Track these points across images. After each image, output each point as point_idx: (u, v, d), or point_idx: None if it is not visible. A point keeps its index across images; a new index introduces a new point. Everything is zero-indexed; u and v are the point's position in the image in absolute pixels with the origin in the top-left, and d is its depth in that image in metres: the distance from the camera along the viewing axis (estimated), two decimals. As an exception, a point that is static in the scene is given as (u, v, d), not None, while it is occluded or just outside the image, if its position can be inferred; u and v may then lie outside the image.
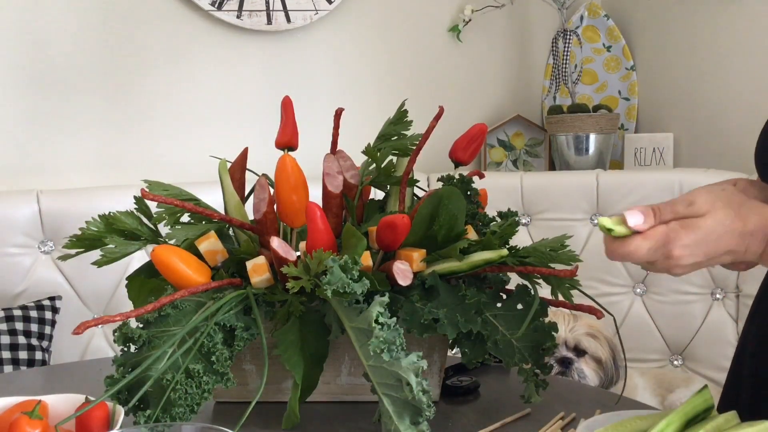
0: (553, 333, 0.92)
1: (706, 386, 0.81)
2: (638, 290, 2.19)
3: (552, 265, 0.94)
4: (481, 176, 1.08)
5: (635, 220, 0.81)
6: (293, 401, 0.88)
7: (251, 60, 2.27)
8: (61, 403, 0.86)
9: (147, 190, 0.99)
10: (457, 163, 1.05)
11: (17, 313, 1.83)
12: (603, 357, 1.75)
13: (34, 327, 1.83)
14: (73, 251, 1.01)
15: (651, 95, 2.51)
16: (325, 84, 2.37)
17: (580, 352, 1.76)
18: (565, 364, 1.73)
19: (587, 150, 2.41)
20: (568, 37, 2.46)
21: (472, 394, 1.03)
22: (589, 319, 1.80)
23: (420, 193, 1.08)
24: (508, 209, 1.04)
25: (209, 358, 0.85)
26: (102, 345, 1.95)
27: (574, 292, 0.98)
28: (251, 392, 0.98)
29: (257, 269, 0.93)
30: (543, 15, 2.56)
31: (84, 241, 1.00)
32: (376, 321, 0.82)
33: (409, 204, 1.05)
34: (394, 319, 0.84)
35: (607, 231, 0.83)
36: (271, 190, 0.98)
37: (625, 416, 0.84)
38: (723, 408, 1.03)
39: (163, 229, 1.02)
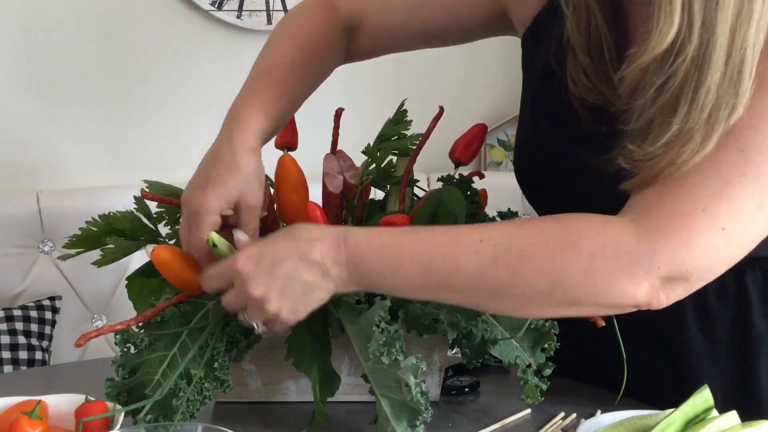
0: (553, 333, 0.92)
1: (705, 386, 0.81)
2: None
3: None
4: (481, 176, 1.08)
5: (242, 237, 0.84)
6: (316, 402, 0.88)
7: (251, 60, 2.26)
8: (61, 403, 0.86)
9: (147, 190, 0.99)
10: (457, 163, 1.05)
11: (17, 313, 1.82)
12: None
13: (34, 327, 1.83)
14: (73, 251, 1.01)
15: (651, 95, 2.51)
16: (324, 84, 2.37)
17: None
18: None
19: (587, 150, 2.41)
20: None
21: (472, 394, 1.03)
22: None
23: (420, 193, 1.08)
24: (508, 209, 1.04)
25: (211, 365, 0.85)
26: (102, 345, 1.95)
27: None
28: (251, 392, 0.98)
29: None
30: (543, 15, 2.56)
31: (84, 241, 1.00)
32: (377, 324, 0.82)
33: (409, 204, 1.04)
34: (396, 324, 0.84)
35: (213, 246, 0.84)
36: (272, 191, 0.98)
37: (626, 416, 0.84)
38: None
39: (163, 229, 1.02)
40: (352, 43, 1.07)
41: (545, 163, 0.98)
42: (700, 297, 0.93)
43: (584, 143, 0.84)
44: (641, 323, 0.97)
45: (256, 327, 0.83)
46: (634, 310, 0.79)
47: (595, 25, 0.86)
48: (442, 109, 1.02)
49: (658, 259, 0.74)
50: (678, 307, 0.93)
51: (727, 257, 0.77)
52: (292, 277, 0.79)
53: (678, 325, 0.95)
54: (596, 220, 0.77)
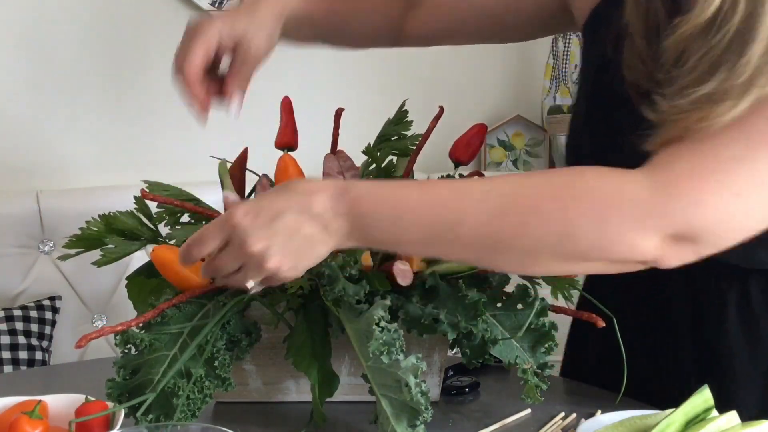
0: (553, 333, 0.92)
1: (705, 386, 0.81)
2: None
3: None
4: (481, 176, 1.08)
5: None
6: (315, 402, 0.88)
7: (251, 60, 2.27)
8: (61, 403, 0.86)
9: (147, 190, 0.99)
10: (457, 163, 1.05)
11: (17, 313, 1.82)
12: None
13: (34, 327, 1.83)
14: (72, 251, 1.01)
15: (651, 95, 2.51)
16: (324, 84, 2.37)
17: None
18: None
19: (587, 150, 2.41)
20: (568, 37, 2.46)
21: (472, 394, 1.03)
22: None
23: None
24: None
25: (212, 364, 0.85)
26: (102, 345, 1.95)
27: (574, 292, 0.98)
28: (251, 392, 0.98)
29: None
30: (543, 15, 2.56)
31: (84, 241, 1.00)
32: (377, 324, 0.82)
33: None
34: (395, 324, 0.84)
35: None
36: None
37: (626, 416, 0.84)
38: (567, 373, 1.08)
39: (163, 229, 1.02)
40: (409, 18, 1.06)
41: (598, 151, 0.96)
42: (744, 295, 0.92)
43: (637, 130, 0.84)
44: (680, 319, 0.96)
45: (249, 286, 0.78)
46: (641, 267, 0.76)
47: (654, 9, 0.85)
48: (441, 109, 1.02)
49: (669, 215, 0.72)
50: (721, 304, 0.92)
51: (740, 226, 0.74)
52: (293, 231, 0.74)
53: (719, 322, 0.94)
54: (608, 172, 0.75)
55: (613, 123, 0.93)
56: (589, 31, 1.01)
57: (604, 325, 0.93)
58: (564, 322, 0.98)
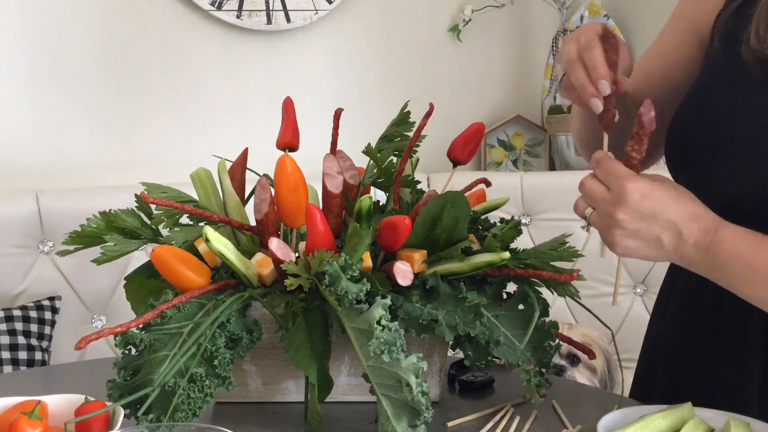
0: (553, 332, 0.91)
1: None
2: (638, 290, 2.18)
3: (554, 263, 0.94)
4: (488, 184, 1.08)
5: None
6: (313, 402, 0.88)
7: (251, 60, 2.27)
8: (61, 403, 0.86)
9: (146, 192, 0.98)
10: (456, 163, 1.04)
11: (17, 313, 1.82)
12: (597, 367, 1.75)
13: (33, 327, 1.83)
14: (71, 247, 1.00)
15: (651, 95, 2.51)
16: (324, 84, 2.37)
17: (574, 360, 1.75)
18: (559, 372, 1.72)
19: (587, 150, 2.41)
20: (568, 37, 2.46)
21: (487, 389, 1.04)
22: (584, 329, 1.80)
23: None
24: (512, 217, 1.03)
25: (212, 362, 0.85)
26: (102, 345, 1.95)
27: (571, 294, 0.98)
28: (251, 392, 0.98)
29: (263, 263, 0.93)
30: (543, 15, 2.56)
31: (83, 238, 0.99)
32: (378, 323, 0.82)
33: (412, 202, 1.05)
34: (396, 322, 0.83)
35: (206, 240, 0.87)
36: (272, 191, 0.98)
37: (645, 411, 0.83)
38: (637, 395, 1.08)
39: (163, 230, 1.02)
40: None
41: (719, 111, 0.95)
42: None
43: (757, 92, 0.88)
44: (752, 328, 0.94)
45: (587, 213, 0.86)
46: None
47: None
48: (432, 106, 1.02)
49: None
50: None
51: None
52: (653, 230, 0.81)
53: None
54: None
55: (737, 82, 0.94)
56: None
57: (596, 357, 0.92)
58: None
